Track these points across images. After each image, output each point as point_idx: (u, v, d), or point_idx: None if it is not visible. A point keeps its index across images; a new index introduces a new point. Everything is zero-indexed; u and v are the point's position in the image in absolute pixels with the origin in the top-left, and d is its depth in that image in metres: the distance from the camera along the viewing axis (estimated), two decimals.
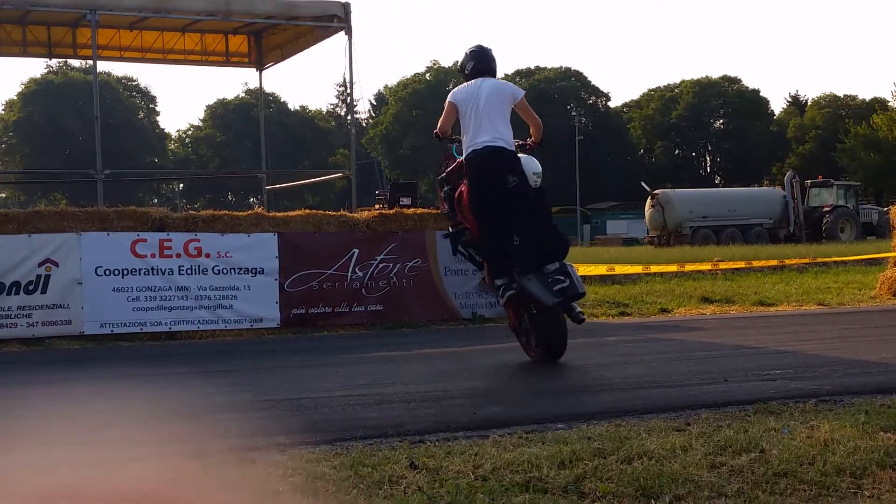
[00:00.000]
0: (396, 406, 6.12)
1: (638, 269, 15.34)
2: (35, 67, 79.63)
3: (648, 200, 45.71)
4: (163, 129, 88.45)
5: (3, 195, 67.34)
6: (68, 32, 15.55)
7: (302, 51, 15.72)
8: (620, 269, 15.13)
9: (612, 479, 3.89)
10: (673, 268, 15.50)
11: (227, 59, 16.77)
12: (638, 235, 56.61)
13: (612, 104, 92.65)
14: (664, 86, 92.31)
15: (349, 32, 13.35)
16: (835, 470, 3.96)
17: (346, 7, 13.44)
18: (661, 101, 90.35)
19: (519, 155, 7.91)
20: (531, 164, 7.92)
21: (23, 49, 16.02)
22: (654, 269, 15.43)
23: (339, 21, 13.54)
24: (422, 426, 5.28)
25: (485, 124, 7.60)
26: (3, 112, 78.34)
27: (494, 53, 8.19)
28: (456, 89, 8.10)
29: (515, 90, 8.05)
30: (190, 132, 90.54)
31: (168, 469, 4.06)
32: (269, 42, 16.09)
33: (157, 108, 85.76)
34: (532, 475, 3.94)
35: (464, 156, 7.83)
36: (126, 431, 4.96)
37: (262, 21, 14.26)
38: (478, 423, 5.39)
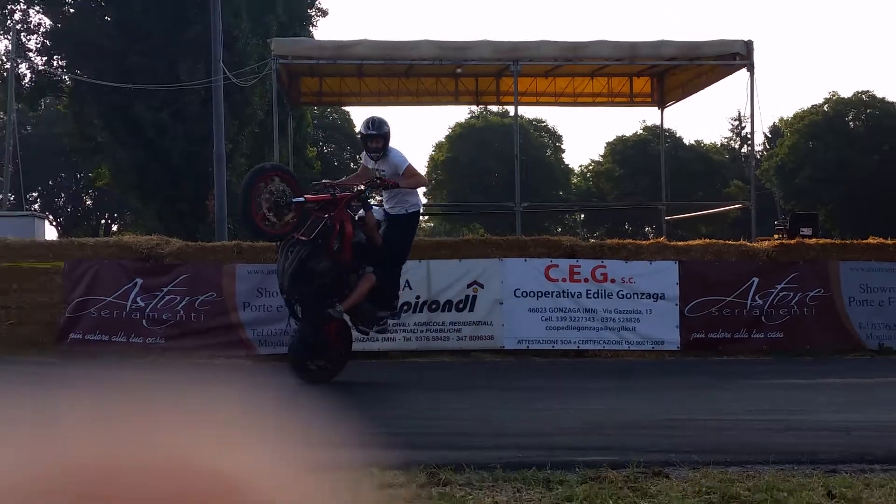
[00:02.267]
0: (805, 433, 5.83)
1: None
2: (460, 113, 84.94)
3: None
4: (567, 165, 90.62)
5: (431, 224, 72.59)
6: (493, 82, 16.45)
7: (703, 88, 15.50)
8: None
9: None
10: None
11: (632, 99, 16.90)
12: None
13: None
14: None
15: (751, 69, 12.96)
16: None
17: (749, 44, 13.04)
18: None
19: None
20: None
21: (455, 98, 17.21)
22: None
23: (741, 59, 13.18)
24: (835, 456, 4.97)
25: None
26: (433, 153, 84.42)
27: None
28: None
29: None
30: (591, 167, 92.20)
31: (592, 475, 4.15)
32: (672, 82, 16.01)
33: (563, 146, 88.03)
34: None
35: (420, 206, 9.06)
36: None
37: (666, 63, 14.22)
38: (890, 458, 4.98)
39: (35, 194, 66.25)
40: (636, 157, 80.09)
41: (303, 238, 7.83)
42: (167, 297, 10.94)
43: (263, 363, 10.33)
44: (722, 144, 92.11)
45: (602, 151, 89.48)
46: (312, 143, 56.78)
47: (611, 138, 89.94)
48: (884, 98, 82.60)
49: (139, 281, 10.96)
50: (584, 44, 13.90)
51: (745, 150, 79.09)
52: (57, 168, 60.18)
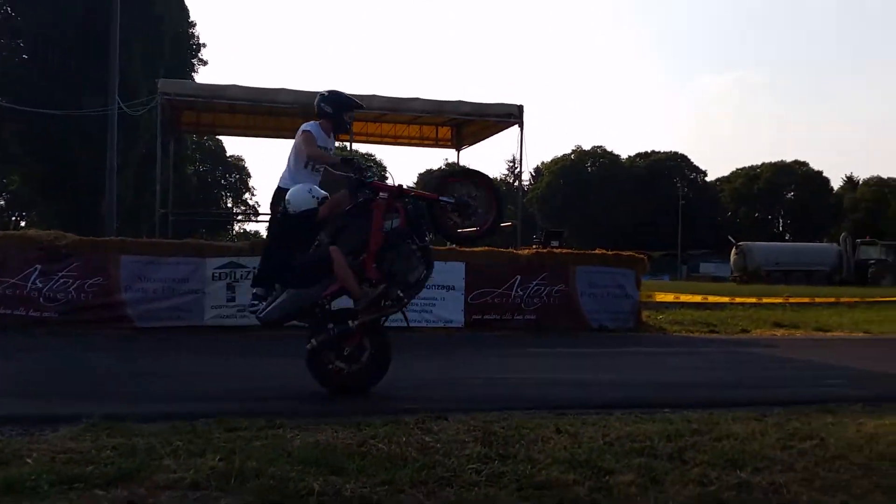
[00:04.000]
0: (547, 388, 6.05)
1: (725, 299, 14.60)
2: None
3: (734, 249, 43.79)
4: None
5: None
6: None
7: (489, 137, 15.94)
8: (712, 299, 14.44)
9: (707, 451, 3.73)
10: (752, 299, 14.66)
11: (437, 142, 17.13)
12: (722, 274, 53.98)
13: (708, 178, 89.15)
14: (748, 166, 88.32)
15: (521, 126, 13.44)
16: (878, 456, 3.67)
17: (521, 108, 13.57)
18: (746, 177, 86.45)
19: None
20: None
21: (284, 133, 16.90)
22: (737, 299, 14.64)
23: (514, 118, 13.64)
24: (564, 403, 5.18)
25: None
26: None
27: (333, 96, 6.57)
28: None
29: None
30: None
31: (392, 420, 4.13)
32: (466, 131, 16.34)
33: (387, 175, 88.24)
34: (646, 444, 3.82)
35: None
36: None
37: (462, 117, 14.50)
38: (603, 403, 5.25)
39: None
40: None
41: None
42: (62, 280, 10.20)
43: (143, 334, 9.86)
44: (501, 179, 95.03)
45: (415, 180, 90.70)
46: (191, 163, 54.34)
47: (422, 170, 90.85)
48: (612, 151, 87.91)
49: (38, 267, 10.17)
50: (405, 99, 14.01)
51: (516, 184, 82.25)
52: None
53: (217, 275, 10.61)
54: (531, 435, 3.98)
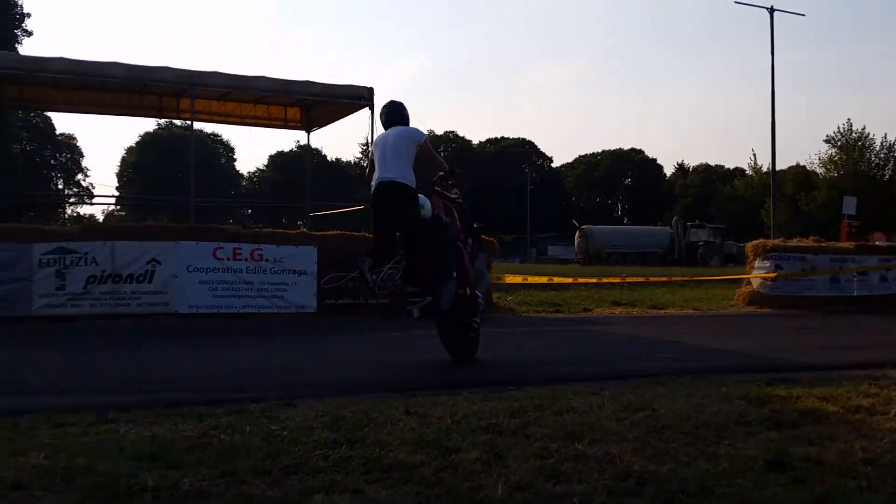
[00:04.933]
0: (396, 370, 6.09)
1: (569, 280, 15.28)
2: (148, 124, 79.14)
3: (577, 232, 45.91)
4: (238, 171, 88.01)
5: (124, 213, 66.97)
6: (174, 101, 15.43)
7: (339, 119, 15.71)
8: (557, 280, 15.07)
9: (548, 426, 3.87)
10: (594, 280, 15.44)
11: (286, 123, 16.68)
12: (568, 256, 56.60)
13: (553, 164, 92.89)
14: (590, 153, 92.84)
15: (371, 108, 13.31)
16: (703, 425, 3.95)
17: (371, 91, 13.44)
18: (588, 163, 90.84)
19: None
20: (423, 201, 6.50)
21: (142, 111, 15.98)
22: (580, 280, 15.37)
23: (364, 101, 13.51)
24: (416, 385, 5.24)
25: (388, 163, 6.38)
26: (125, 155, 78.02)
27: (406, 107, 6.77)
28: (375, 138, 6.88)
29: (417, 133, 6.59)
30: (257, 174, 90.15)
31: (236, 409, 3.99)
32: (316, 112, 16.01)
33: (235, 156, 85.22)
34: (492, 422, 3.92)
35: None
36: None
37: (312, 98, 14.20)
38: (454, 384, 5.36)
39: None
40: (291, 168, 79.68)
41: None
42: None
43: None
44: (355, 162, 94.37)
45: (266, 162, 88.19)
46: (16, 142, 49.97)
47: (273, 152, 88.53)
48: (464, 136, 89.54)
49: None
50: (249, 77, 13.50)
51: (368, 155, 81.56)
52: None
53: (45, 261, 9.86)
54: (380, 418, 3.97)
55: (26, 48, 35.87)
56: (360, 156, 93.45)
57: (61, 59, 11.91)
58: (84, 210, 76.57)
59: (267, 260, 10.84)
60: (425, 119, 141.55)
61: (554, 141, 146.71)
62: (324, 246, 11.29)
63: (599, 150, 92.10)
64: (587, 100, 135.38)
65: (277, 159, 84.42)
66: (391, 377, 5.70)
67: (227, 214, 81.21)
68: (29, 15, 36.04)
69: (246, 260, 10.75)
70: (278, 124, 16.74)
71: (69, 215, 74.82)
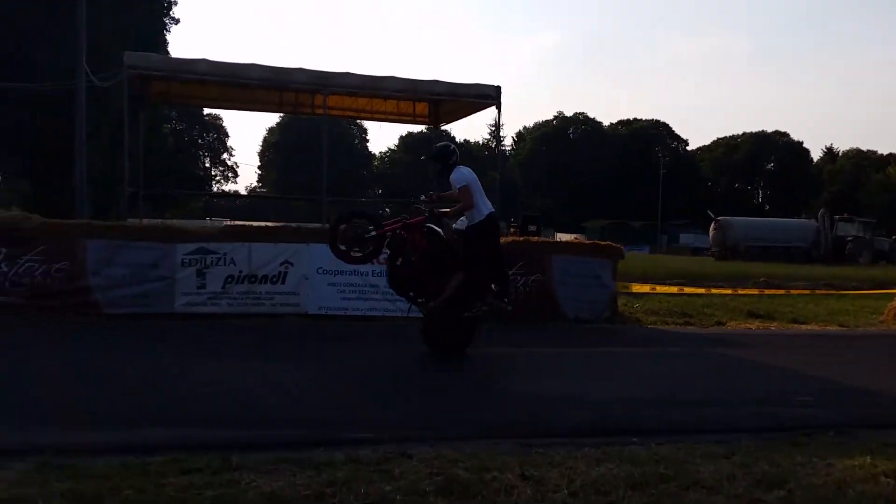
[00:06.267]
0: (516, 404, 5.95)
1: (701, 290, 14.56)
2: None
3: (713, 224, 43.91)
4: (370, 151, 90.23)
5: (265, 190, 70.11)
6: (309, 97, 15.90)
7: (466, 116, 15.73)
8: (689, 290, 14.42)
9: None
10: (728, 291, 14.65)
11: (414, 118, 16.86)
12: (701, 245, 54.26)
13: (689, 147, 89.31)
14: (729, 135, 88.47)
15: (499, 107, 13.19)
16: None
17: (498, 89, 13.29)
18: (726, 146, 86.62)
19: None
20: None
21: (279, 107, 16.58)
22: (714, 291, 14.62)
23: (492, 99, 13.39)
24: (532, 429, 5.09)
25: (484, 196, 8.01)
26: (266, 135, 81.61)
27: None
28: (466, 172, 7.99)
29: None
30: (388, 154, 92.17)
31: (352, 456, 4.01)
32: (444, 108, 16.06)
33: (367, 137, 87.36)
34: (611, 500, 3.73)
35: (484, 215, 7.96)
36: None
37: (438, 97, 14.23)
38: (573, 430, 5.17)
39: None
40: (421, 147, 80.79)
41: (387, 251, 8.13)
42: (27, 265, 9.98)
43: (110, 321, 9.70)
44: (484, 143, 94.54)
45: (397, 142, 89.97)
46: (166, 121, 53.30)
47: (404, 133, 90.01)
48: (594, 118, 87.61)
49: (4, 250, 9.93)
50: (378, 77, 13.71)
51: (493, 144, 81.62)
52: None
53: (187, 261, 10.42)
54: (495, 483, 3.88)
55: (173, 34, 37.99)
56: (488, 137, 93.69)
57: (204, 60, 12.54)
58: (229, 187, 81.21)
59: None
60: (555, 100, 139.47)
61: (690, 122, 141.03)
62: None
63: (739, 133, 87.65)
64: (726, 78, 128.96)
65: (408, 140, 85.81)
66: (506, 419, 5.53)
67: (359, 193, 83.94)
68: (176, 3, 38.00)
69: (372, 263, 10.88)
70: (407, 119, 16.95)
71: (215, 191, 79.66)
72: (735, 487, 3.97)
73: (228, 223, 17.03)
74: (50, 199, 24.33)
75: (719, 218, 43.90)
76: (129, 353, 7.85)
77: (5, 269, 9.93)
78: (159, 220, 11.96)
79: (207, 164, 79.29)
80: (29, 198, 31.10)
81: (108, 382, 6.22)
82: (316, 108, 16.48)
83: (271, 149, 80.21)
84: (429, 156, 8.19)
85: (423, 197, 8.64)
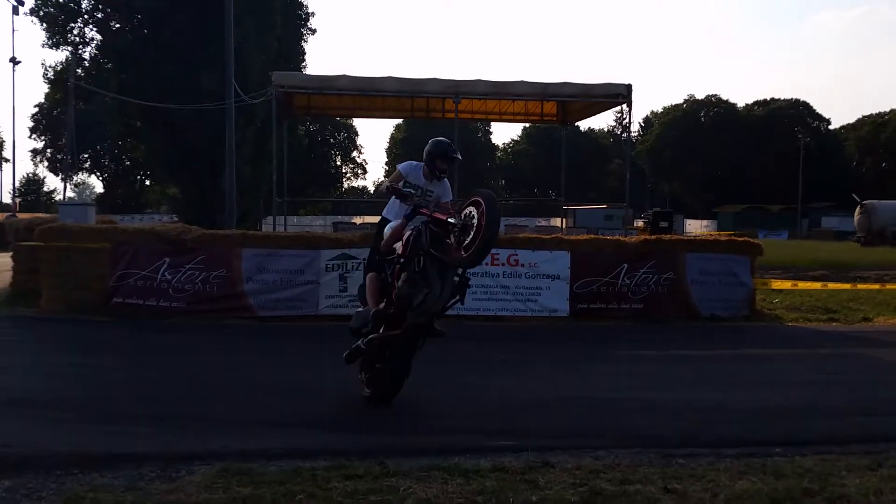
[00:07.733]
0: (653, 414, 5.98)
1: (847, 285, 13.81)
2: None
3: (858, 208, 41.15)
4: (493, 143, 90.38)
5: None
6: (440, 102, 16.30)
7: (595, 115, 15.65)
8: (832, 286, 13.72)
9: None
10: (876, 287, 13.81)
11: (542, 118, 16.93)
12: (845, 229, 50.86)
13: (831, 126, 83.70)
14: (875, 112, 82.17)
15: (630, 105, 13.04)
16: None
17: (629, 87, 13.10)
18: (873, 124, 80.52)
19: None
20: None
21: (411, 113, 17.13)
22: (860, 286, 13.83)
23: (623, 98, 13.24)
24: (673, 440, 5.12)
25: None
26: (394, 131, 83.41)
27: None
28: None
29: None
30: (511, 145, 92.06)
31: (498, 465, 4.23)
32: (572, 108, 16.04)
33: (490, 129, 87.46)
34: None
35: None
36: None
37: (568, 98, 14.23)
38: (715, 441, 5.15)
39: (86, 155, 64.56)
40: (545, 139, 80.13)
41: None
42: (189, 272, 10.90)
43: (264, 323, 10.43)
44: (608, 130, 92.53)
45: (519, 133, 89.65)
46: (301, 123, 55.80)
47: (528, 125, 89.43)
48: (727, 100, 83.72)
49: (167, 259, 10.89)
50: (508, 83, 13.89)
51: (624, 136, 79.62)
52: (101, 137, 57.14)
53: (330, 266, 11.03)
54: (639, 497, 3.98)
55: (310, 45, 39.86)
56: (613, 124, 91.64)
57: (344, 76, 13.25)
58: (358, 183, 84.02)
59: (522, 265, 11.17)
60: (686, 82, 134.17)
61: (832, 100, 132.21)
62: (577, 251, 11.36)
63: (887, 109, 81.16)
64: (872, 50, 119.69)
65: (532, 132, 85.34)
66: (644, 425, 5.59)
67: (479, 184, 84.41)
68: (314, 14, 39.80)
69: (503, 265, 11.16)
70: (535, 119, 17.07)
71: (345, 189, 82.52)
72: (882, 502, 3.90)
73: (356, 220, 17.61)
74: (193, 200, 26.33)
75: (865, 202, 41.06)
76: (286, 358, 8.43)
77: (168, 276, 10.90)
78: (306, 230, 12.66)
79: (339, 162, 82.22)
80: (177, 200, 33.67)
81: (272, 388, 6.73)
82: (447, 113, 16.88)
83: (398, 145, 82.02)
84: (452, 154, 6.44)
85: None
